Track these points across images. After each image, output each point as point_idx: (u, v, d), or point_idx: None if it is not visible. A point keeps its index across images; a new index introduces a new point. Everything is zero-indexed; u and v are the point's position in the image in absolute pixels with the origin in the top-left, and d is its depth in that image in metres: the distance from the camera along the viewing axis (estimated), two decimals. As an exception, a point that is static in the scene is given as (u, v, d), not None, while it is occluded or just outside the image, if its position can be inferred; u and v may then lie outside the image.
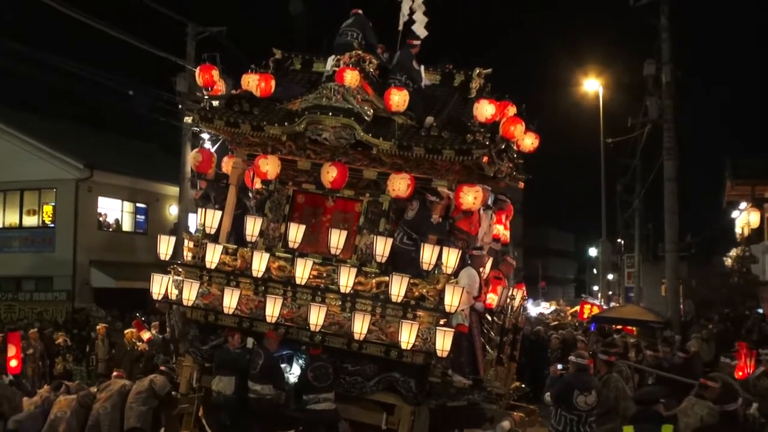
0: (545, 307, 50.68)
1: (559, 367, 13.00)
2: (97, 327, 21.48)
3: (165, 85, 29.44)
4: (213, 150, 13.17)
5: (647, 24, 26.97)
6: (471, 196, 11.77)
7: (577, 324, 31.18)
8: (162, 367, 14.76)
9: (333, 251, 11.68)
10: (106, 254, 33.45)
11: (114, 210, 35.33)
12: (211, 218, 12.35)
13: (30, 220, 33.91)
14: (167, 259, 12.32)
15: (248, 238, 12.08)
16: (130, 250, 34.47)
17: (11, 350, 15.41)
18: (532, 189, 60.76)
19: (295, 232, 11.88)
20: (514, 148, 12.55)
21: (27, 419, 13.93)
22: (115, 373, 15.36)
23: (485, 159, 11.61)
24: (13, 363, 15.19)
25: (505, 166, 12.67)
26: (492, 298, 13.03)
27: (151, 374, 14.52)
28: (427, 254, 11.15)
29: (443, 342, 10.79)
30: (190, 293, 11.90)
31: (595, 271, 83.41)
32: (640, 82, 29.39)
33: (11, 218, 34.16)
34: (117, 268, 33.10)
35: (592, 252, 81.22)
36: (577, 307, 40.69)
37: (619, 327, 27.92)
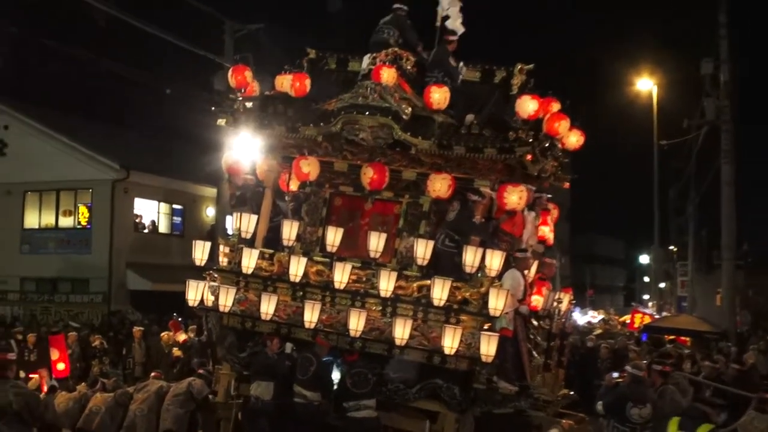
0: (593, 316, 50.20)
1: (615, 375, 12.84)
2: (134, 330, 21.62)
3: (203, 84, 29.61)
4: (246, 153, 13.14)
5: (705, 21, 26.51)
6: (515, 196, 11.68)
7: (627, 334, 30.83)
8: (200, 371, 14.85)
9: (372, 255, 11.63)
10: (142, 256, 33.65)
11: (150, 211, 35.52)
12: (247, 222, 12.37)
13: (66, 221, 34.17)
14: (202, 264, 12.38)
15: (285, 243, 12.09)
16: (166, 252, 34.65)
17: (55, 353, 15.50)
18: (580, 193, 60.37)
19: (333, 236, 11.85)
20: (559, 145, 12.36)
21: (63, 415, 14.10)
22: (153, 374, 15.49)
23: (528, 157, 11.47)
24: (61, 366, 15.26)
25: (549, 164, 12.50)
26: (537, 301, 12.92)
27: (189, 377, 14.59)
28: (470, 257, 11.06)
29: (488, 347, 10.70)
30: (227, 299, 11.93)
31: (645, 279, 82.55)
32: (696, 82, 28.81)
33: (47, 219, 34.44)
34: (153, 270, 33.28)
35: (643, 259, 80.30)
36: (628, 316, 40.28)
37: (672, 337, 27.55)
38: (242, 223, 12.36)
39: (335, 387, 11.76)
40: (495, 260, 11.06)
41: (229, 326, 12.30)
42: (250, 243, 12.45)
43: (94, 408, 14.21)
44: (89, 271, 32.57)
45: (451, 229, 11.95)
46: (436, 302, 11.10)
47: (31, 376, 15.97)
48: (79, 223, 33.99)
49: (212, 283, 12.42)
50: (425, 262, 11.47)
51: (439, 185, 11.64)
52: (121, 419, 14.18)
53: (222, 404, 12.79)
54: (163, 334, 19.92)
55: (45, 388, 14.73)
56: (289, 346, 12.03)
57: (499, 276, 11.35)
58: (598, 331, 31.03)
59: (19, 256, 34.11)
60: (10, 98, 35.10)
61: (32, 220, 34.57)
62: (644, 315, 37.76)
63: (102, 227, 33.10)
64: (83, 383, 15.51)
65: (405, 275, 11.66)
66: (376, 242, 11.58)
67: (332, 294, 11.79)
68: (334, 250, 11.89)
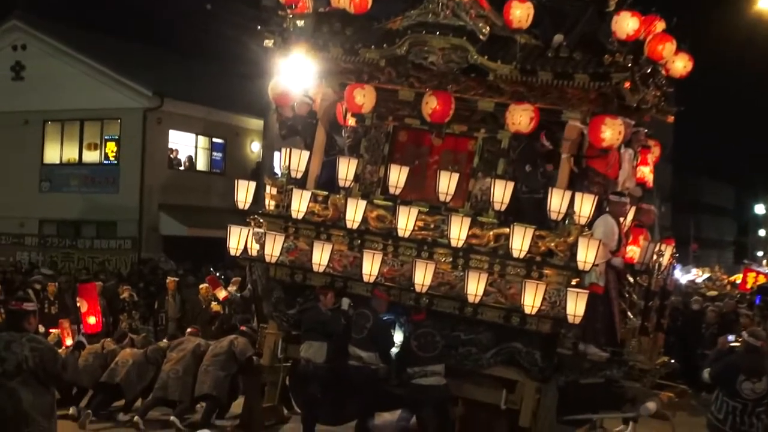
0: (696, 274, 49.68)
1: (730, 338, 12.75)
2: (167, 281, 21.88)
3: (249, -1, 29.52)
4: (297, 79, 13.15)
5: None
6: (610, 132, 11.57)
7: (737, 295, 30.46)
8: (242, 328, 15.02)
9: (442, 198, 11.67)
10: (177, 197, 33.97)
11: (187, 146, 35.82)
12: (298, 159, 12.46)
13: (91, 156, 34.57)
14: (246, 207, 12.51)
15: (341, 183, 12.18)
16: (205, 192, 34.87)
17: (84, 305, 15.61)
18: (686, 130, 59.24)
19: (397, 176, 11.92)
20: (662, 72, 12.21)
21: (81, 371, 14.43)
22: (189, 330, 15.81)
23: (627, 85, 11.38)
24: (92, 320, 15.40)
25: (650, 94, 12.37)
26: (633, 252, 12.86)
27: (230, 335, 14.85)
28: (556, 201, 11.05)
29: (575, 306, 10.73)
30: (274, 248, 12.10)
31: (761, 233, 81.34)
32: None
33: (69, 153, 34.88)
34: (190, 213, 33.61)
35: (758, 209, 79.01)
36: (739, 275, 39.78)
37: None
38: (292, 160, 12.47)
39: (397, 349, 11.93)
40: (585, 205, 11.04)
41: (276, 279, 12.49)
42: (301, 183, 12.57)
43: (120, 361, 14.65)
44: (117, 213, 32.94)
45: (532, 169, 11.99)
46: (515, 253, 11.14)
47: (51, 330, 16.25)
48: (106, 157, 34.34)
49: (257, 230, 12.56)
50: (503, 207, 11.50)
51: (521, 117, 11.60)
52: (151, 379, 14.56)
53: (267, 368, 13.03)
54: (201, 286, 20.13)
55: (66, 343, 14.92)
56: (345, 302, 12.17)
57: (590, 223, 11.34)
58: (712, 292, 30.64)
59: (38, 196, 34.56)
60: (28, 14, 35.32)
61: (53, 154, 35.02)
62: (758, 274, 37.23)
63: (132, 163, 33.46)
64: (109, 339, 15.78)
65: (480, 222, 11.70)
66: (446, 183, 11.60)
67: (395, 243, 11.90)
68: (398, 192, 11.98)
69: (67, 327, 15.41)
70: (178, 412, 14.05)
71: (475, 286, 11.12)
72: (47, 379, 8.13)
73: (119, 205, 33.04)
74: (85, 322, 15.17)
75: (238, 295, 18.34)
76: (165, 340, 15.79)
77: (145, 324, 21.49)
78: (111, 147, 34.27)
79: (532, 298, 10.86)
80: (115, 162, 34.13)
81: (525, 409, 11.36)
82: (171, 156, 35.02)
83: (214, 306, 18.88)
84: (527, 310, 10.90)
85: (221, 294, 18.46)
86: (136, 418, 13.95)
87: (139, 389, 14.66)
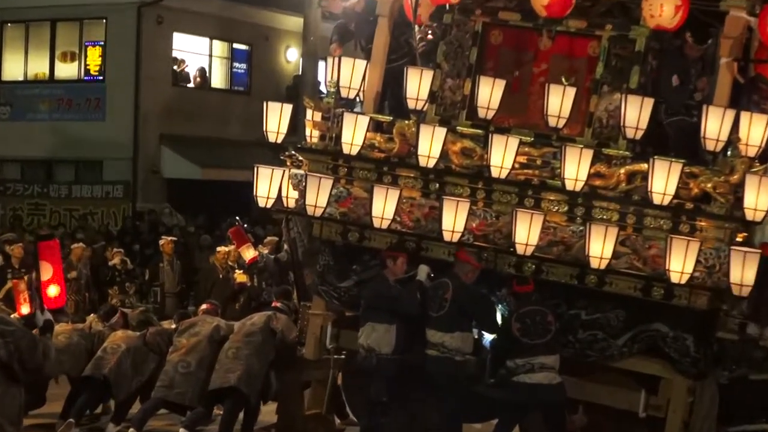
0: None
1: None
2: (161, 242, 21.91)
3: None
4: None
5: None
6: (789, 26, 11.43)
7: None
8: (277, 303, 14.88)
9: (552, 123, 11.61)
10: (185, 126, 34.09)
11: (198, 54, 35.90)
12: (350, 72, 12.43)
13: (66, 70, 34.91)
14: (280, 140, 12.52)
15: (411, 105, 12.11)
16: (223, 119, 35.03)
17: (46, 271, 15.51)
18: None
19: (489, 93, 11.81)
20: None
21: (63, 351, 14.14)
22: (204, 306, 15.50)
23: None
24: (53, 291, 15.29)
25: None
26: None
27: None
28: (714, 124, 10.96)
29: (742, 271, 10.64)
30: (319, 196, 12.03)
31: None
32: None
33: (37, 66, 35.22)
34: (202, 148, 33.77)
35: None
36: None
37: None
38: (342, 73, 12.44)
39: (492, 337, 11.89)
40: (755, 129, 10.97)
41: (323, 239, 12.52)
42: (356, 105, 12.59)
43: (110, 347, 14.42)
44: (103, 148, 33.19)
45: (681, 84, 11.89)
46: (657, 199, 11.06)
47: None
48: (87, 72, 34.61)
49: (296, 171, 12.60)
50: (638, 135, 11.43)
51: (663, 8, 11.43)
52: (151, 372, 14.45)
53: (313, 362, 13.11)
54: (219, 249, 20.18)
55: (22, 311, 14.72)
56: (423, 271, 12.11)
57: (764, 155, 11.20)
58: None
59: (-5, 126, 34.93)
60: None
61: (15, 68, 35.41)
62: None
63: (122, 79, 33.68)
64: (93, 315, 15.80)
65: (606, 156, 11.64)
66: (558, 102, 11.52)
67: (488, 186, 11.86)
68: (491, 115, 11.88)
69: (24, 290, 15.30)
70: (189, 422, 13.90)
71: (600, 246, 11.02)
72: (23, 371, 8.13)
73: (106, 137, 33.21)
74: (45, 293, 15.05)
75: (272, 258, 18.33)
76: (173, 320, 15.67)
77: (143, 300, 21.57)
78: (94, 57, 34.50)
79: (680, 262, 10.75)
80: (100, 78, 34.39)
81: (673, 418, 11.32)
82: (176, 69, 35.08)
83: (238, 276, 18.91)
84: (674, 278, 10.81)
85: (248, 253, 18.27)
86: (131, 429, 13.95)
87: (135, 386, 14.48)
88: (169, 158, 33.67)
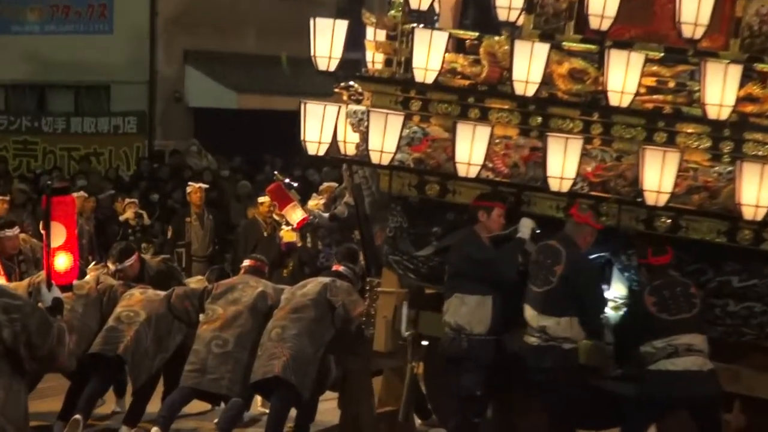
0: None
1: None
2: (188, 190, 21.93)
3: None
4: None
5: None
6: None
7: None
8: (339, 268, 14.79)
9: (687, 33, 11.38)
10: (216, 40, 34.14)
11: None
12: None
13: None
14: (332, 67, 12.34)
15: (502, 15, 11.95)
16: (266, 31, 35.02)
17: (58, 235, 15.27)
18: None
19: (603, -1, 11.67)
20: None
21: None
22: (247, 263, 15.27)
23: None
24: (63, 262, 15.18)
25: None
26: None
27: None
28: None
29: None
30: (386, 139, 11.93)
31: None
32: None
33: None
34: (237, 69, 33.85)
35: None
36: None
37: None
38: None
39: (617, 316, 11.83)
40: None
41: (393, 195, 12.39)
42: (432, 20, 12.45)
43: (124, 314, 14.18)
44: (110, 69, 33.32)
45: None
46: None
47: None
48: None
49: (355, 107, 12.51)
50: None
51: None
52: (177, 347, 14.39)
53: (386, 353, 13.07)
54: (261, 200, 20.22)
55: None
56: (526, 226, 11.99)
57: None
58: None
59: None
60: None
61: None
62: None
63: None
64: (94, 264, 15.77)
65: (759, 73, 11.46)
66: (694, 6, 11.27)
67: (605, 118, 11.74)
68: (607, 26, 11.68)
69: None
70: (224, 423, 13.79)
71: (755, 191, 10.89)
72: (31, 360, 8.06)
73: (114, 55, 33.27)
74: (52, 264, 14.88)
75: (326, 216, 18.23)
76: (205, 278, 15.51)
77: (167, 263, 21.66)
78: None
79: None
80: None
81: None
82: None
83: (285, 233, 18.80)
84: None
85: (295, 215, 18.20)
86: (154, 429, 13.71)
87: (157, 366, 14.34)
88: (195, 81, 33.77)
